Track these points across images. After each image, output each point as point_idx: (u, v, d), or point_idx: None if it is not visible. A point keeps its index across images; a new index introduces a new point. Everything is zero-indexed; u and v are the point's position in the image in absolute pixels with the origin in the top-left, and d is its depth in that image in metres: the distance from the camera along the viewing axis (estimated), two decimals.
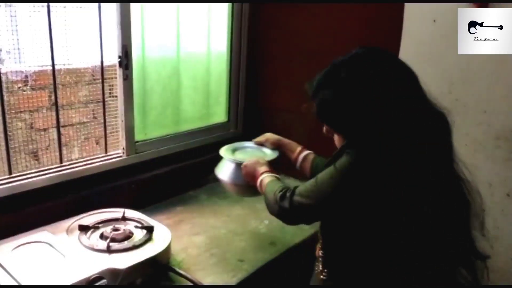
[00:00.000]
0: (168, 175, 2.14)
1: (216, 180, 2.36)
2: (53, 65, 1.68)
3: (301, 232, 1.88)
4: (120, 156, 1.97)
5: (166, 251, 1.53)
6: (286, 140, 1.71)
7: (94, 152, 1.93)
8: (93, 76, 1.87)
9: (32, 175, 1.69)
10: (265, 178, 1.45)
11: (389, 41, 1.93)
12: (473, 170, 1.78)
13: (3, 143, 1.61)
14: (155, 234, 1.59)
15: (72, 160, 1.84)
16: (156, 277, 1.48)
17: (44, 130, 1.75)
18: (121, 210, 1.71)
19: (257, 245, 1.77)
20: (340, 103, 1.13)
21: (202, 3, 2.21)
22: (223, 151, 1.80)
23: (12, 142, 1.65)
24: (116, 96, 1.93)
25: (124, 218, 1.68)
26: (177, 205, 2.07)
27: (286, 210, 1.24)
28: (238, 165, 1.65)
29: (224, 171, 1.73)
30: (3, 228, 1.53)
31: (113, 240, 1.51)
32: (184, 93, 2.24)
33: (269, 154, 1.70)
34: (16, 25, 1.57)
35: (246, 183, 1.58)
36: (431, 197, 1.11)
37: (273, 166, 1.54)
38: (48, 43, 1.65)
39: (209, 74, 2.37)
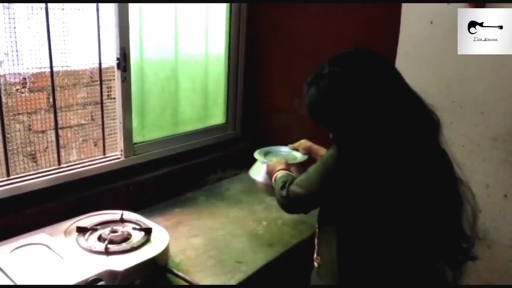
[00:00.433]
0: (166, 176, 2.14)
1: (214, 181, 2.39)
2: (51, 67, 1.68)
3: (299, 233, 1.89)
4: (118, 158, 1.97)
5: (164, 253, 1.53)
6: (316, 146, 1.77)
7: (92, 154, 1.93)
8: (91, 78, 1.87)
9: (30, 177, 1.69)
10: (278, 174, 1.53)
11: (387, 43, 1.94)
12: (470, 171, 1.79)
13: (1, 145, 1.61)
14: (153, 236, 1.59)
15: (70, 162, 1.84)
16: (154, 279, 1.48)
17: (42, 132, 1.75)
18: (119, 212, 1.71)
19: (255, 246, 1.77)
20: (322, 98, 1.20)
21: (200, 3, 2.21)
22: (256, 153, 1.92)
23: (10, 144, 1.65)
24: (114, 98, 1.93)
25: (122, 220, 1.68)
26: (175, 207, 2.07)
27: (284, 198, 1.36)
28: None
29: (255, 171, 1.84)
30: (1, 230, 1.53)
31: (111, 242, 1.51)
32: (182, 94, 2.24)
33: (299, 157, 1.78)
34: (15, 27, 1.57)
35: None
36: (416, 190, 1.16)
37: (301, 169, 1.61)
38: (46, 45, 1.65)
39: (207, 75, 2.37)
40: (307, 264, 1.56)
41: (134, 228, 1.63)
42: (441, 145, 1.22)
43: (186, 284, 1.46)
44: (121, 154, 1.98)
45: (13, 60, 1.59)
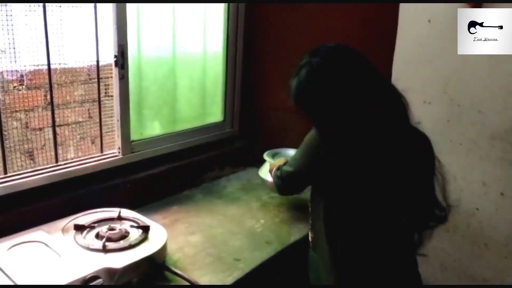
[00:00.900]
0: (164, 174, 2.14)
1: (212, 179, 2.39)
2: (48, 64, 1.68)
3: (297, 231, 1.89)
4: (116, 156, 1.97)
5: (162, 251, 1.53)
6: None
7: (89, 152, 1.92)
8: (89, 75, 1.87)
9: (28, 175, 1.69)
10: (277, 167, 1.64)
11: (384, 41, 1.94)
12: (468, 169, 1.81)
13: None
14: (151, 233, 1.58)
15: (67, 159, 1.84)
16: (152, 277, 1.48)
17: (40, 129, 1.75)
18: (117, 209, 1.71)
19: (253, 244, 1.77)
20: (302, 86, 1.30)
21: (198, 3, 2.21)
22: (265, 154, 2.15)
23: (8, 141, 1.64)
24: (112, 96, 1.93)
25: (120, 218, 1.68)
26: (173, 205, 2.07)
27: (279, 178, 1.53)
28: None
29: (265, 172, 2.07)
30: None
31: (109, 239, 1.50)
32: (180, 92, 2.24)
33: None
34: (12, 24, 1.56)
35: None
36: (392, 164, 1.28)
37: None
38: (44, 43, 1.64)
39: (205, 73, 2.37)
40: (304, 262, 1.56)
41: (132, 226, 1.63)
42: (412, 123, 1.33)
43: (185, 283, 1.46)
44: (119, 152, 1.97)
45: (10, 57, 1.59)
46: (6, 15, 1.54)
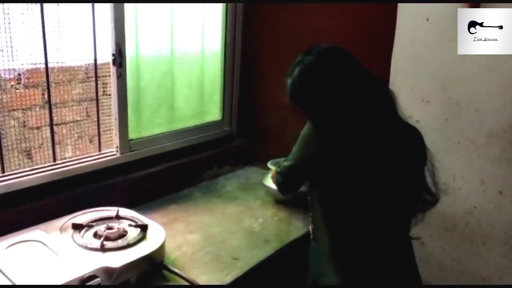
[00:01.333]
0: (162, 173, 2.14)
1: (210, 178, 2.39)
2: (46, 63, 1.67)
3: (295, 229, 1.89)
4: (114, 155, 1.97)
5: (160, 250, 1.53)
6: None
7: (87, 151, 1.92)
8: (87, 74, 1.86)
9: (25, 174, 1.68)
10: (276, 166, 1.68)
11: (382, 40, 1.94)
12: (466, 167, 1.81)
13: None
14: (149, 232, 1.58)
15: (65, 158, 1.83)
16: (151, 276, 1.48)
17: (37, 128, 1.74)
18: (115, 208, 1.71)
19: (251, 243, 1.77)
20: (296, 83, 1.36)
21: (196, 3, 2.21)
22: (269, 163, 2.20)
23: (5, 140, 1.64)
24: (109, 94, 1.92)
25: (118, 217, 1.67)
26: (171, 204, 2.07)
27: (279, 174, 1.55)
28: None
29: (269, 180, 2.02)
30: None
31: (107, 238, 1.50)
32: (178, 91, 2.24)
33: None
34: (9, 23, 1.56)
35: None
36: (384, 152, 1.33)
37: None
38: (41, 41, 1.64)
39: (203, 72, 2.36)
40: (303, 261, 1.56)
41: (130, 225, 1.63)
42: (399, 114, 1.37)
43: (183, 282, 1.46)
44: (117, 151, 1.97)
45: (7, 56, 1.58)
46: (4, 14, 1.53)
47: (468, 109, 1.77)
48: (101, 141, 1.94)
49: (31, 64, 1.66)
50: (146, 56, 2.03)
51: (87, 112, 1.91)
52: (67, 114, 1.83)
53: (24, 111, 1.69)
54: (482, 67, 1.70)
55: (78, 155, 1.88)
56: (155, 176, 2.11)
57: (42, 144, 1.76)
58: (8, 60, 1.59)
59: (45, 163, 1.76)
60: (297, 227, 1.92)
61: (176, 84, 2.22)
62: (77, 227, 1.57)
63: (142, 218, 1.67)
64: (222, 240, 1.77)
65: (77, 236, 1.52)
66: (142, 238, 1.54)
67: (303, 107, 1.40)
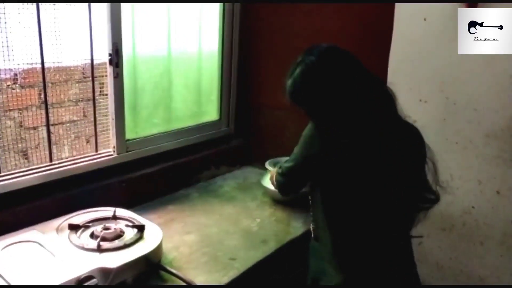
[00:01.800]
0: (159, 173, 2.14)
1: (208, 178, 2.38)
2: (42, 63, 1.67)
3: (293, 230, 1.89)
4: (111, 155, 1.96)
5: (157, 250, 1.52)
6: None
7: (84, 151, 1.91)
8: (83, 74, 1.86)
9: (22, 174, 1.67)
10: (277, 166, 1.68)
11: (380, 40, 1.94)
12: (463, 167, 1.81)
13: None
14: (146, 233, 1.58)
15: (62, 158, 1.82)
16: (147, 276, 1.47)
17: (34, 128, 1.74)
18: (112, 209, 1.70)
19: (248, 243, 1.76)
20: (298, 83, 1.36)
21: (193, 3, 2.20)
22: (267, 163, 2.19)
23: (1, 140, 1.63)
24: (106, 95, 1.91)
25: (114, 217, 1.67)
26: (168, 204, 2.06)
27: (280, 175, 1.55)
28: None
29: (267, 180, 2.09)
30: None
31: (104, 239, 1.50)
32: (176, 91, 2.23)
33: None
34: (5, 22, 1.55)
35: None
36: (385, 152, 1.34)
37: None
38: (38, 41, 1.63)
39: (201, 72, 2.36)
40: (300, 261, 1.56)
41: (127, 225, 1.62)
42: (399, 113, 1.38)
43: (180, 283, 1.45)
44: (114, 151, 1.96)
45: (3, 56, 1.57)
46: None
47: (466, 109, 1.77)
48: (98, 141, 1.93)
49: (27, 64, 1.66)
50: (143, 56, 2.02)
51: (84, 112, 1.90)
52: (63, 114, 1.82)
53: (20, 111, 1.69)
54: (480, 67, 1.71)
55: (75, 155, 1.87)
56: (152, 176, 2.10)
57: (38, 144, 1.76)
58: (4, 60, 1.58)
59: (41, 163, 1.76)
60: (294, 227, 1.91)
61: (173, 84, 2.21)
62: (73, 227, 1.56)
63: (139, 219, 1.67)
64: (219, 241, 1.77)
65: (74, 236, 1.52)
66: (139, 238, 1.54)
67: (304, 107, 1.40)
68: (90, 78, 1.85)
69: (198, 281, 1.48)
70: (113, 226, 1.58)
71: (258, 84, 2.52)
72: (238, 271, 1.58)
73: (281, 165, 1.57)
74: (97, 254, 1.43)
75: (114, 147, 1.96)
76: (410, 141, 1.39)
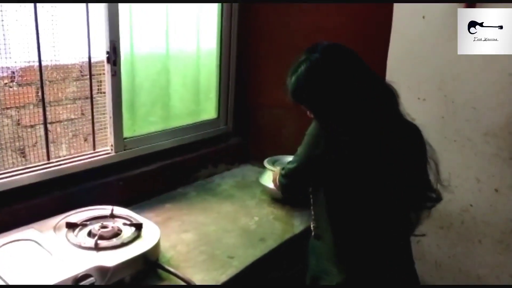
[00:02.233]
0: (157, 172, 2.13)
1: (206, 177, 2.38)
2: (39, 61, 1.66)
3: (291, 228, 1.89)
4: (109, 153, 1.95)
5: (155, 248, 1.52)
6: None
7: (82, 149, 1.91)
8: (81, 72, 1.85)
9: (19, 172, 1.67)
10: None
11: (379, 38, 1.94)
12: (462, 165, 1.80)
13: None
14: (144, 231, 1.57)
15: (59, 157, 1.82)
16: (145, 275, 1.47)
17: (31, 126, 1.73)
18: (110, 207, 1.70)
19: (247, 241, 1.76)
20: (301, 81, 1.35)
21: (191, 3, 2.20)
22: (266, 162, 2.20)
23: None
24: (104, 93, 1.91)
25: (112, 216, 1.66)
26: (166, 202, 2.06)
27: (283, 176, 1.52)
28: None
29: (266, 179, 2.13)
30: None
31: (101, 237, 1.49)
32: (174, 89, 2.23)
33: None
34: (2, 20, 1.54)
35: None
36: (388, 151, 1.34)
37: None
38: (35, 39, 1.63)
39: (199, 70, 2.35)
40: (299, 259, 1.56)
41: (124, 224, 1.61)
42: (401, 112, 1.39)
43: (179, 281, 1.45)
44: (112, 149, 1.96)
45: (0, 54, 1.57)
46: None
47: (465, 107, 1.77)
48: (96, 139, 1.93)
49: (25, 62, 1.65)
50: (141, 54, 2.02)
51: (81, 111, 1.89)
52: (61, 112, 1.82)
53: (18, 109, 1.68)
54: (479, 65, 1.70)
55: (72, 154, 1.86)
56: (150, 174, 2.10)
57: (36, 142, 1.75)
58: (1, 58, 1.58)
59: (39, 161, 1.75)
60: (293, 225, 1.91)
61: (171, 82, 2.21)
62: (71, 226, 1.56)
63: (136, 217, 1.66)
64: (217, 239, 1.76)
65: (71, 235, 1.51)
66: (136, 237, 1.53)
67: (308, 105, 1.40)
68: (88, 76, 1.84)
69: (196, 279, 1.47)
70: (111, 224, 1.58)
71: (257, 83, 2.52)
72: (236, 269, 1.57)
73: (284, 167, 1.55)
74: (94, 252, 1.42)
75: (111, 145, 1.95)
76: (412, 140, 1.39)
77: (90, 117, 1.89)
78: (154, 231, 1.59)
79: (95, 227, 1.55)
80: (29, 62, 1.66)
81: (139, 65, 2.02)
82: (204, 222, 1.90)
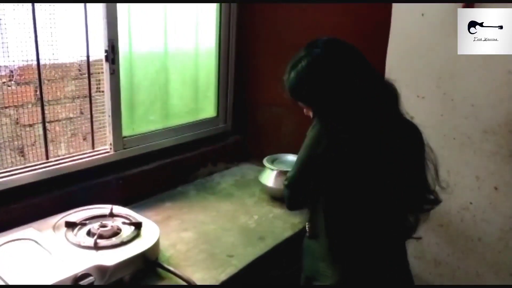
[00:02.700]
0: (156, 170, 2.13)
1: (205, 175, 2.38)
2: (38, 59, 1.66)
3: (290, 226, 1.89)
4: (108, 152, 1.95)
5: (155, 247, 1.52)
6: None
7: (81, 148, 1.90)
8: (80, 71, 1.85)
9: (18, 172, 1.67)
10: None
11: (377, 35, 1.93)
12: (461, 163, 1.80)
13: None
14: (143, 230, 1.57)
15: (58, 156, 1.82)
16: (145, 274, 1.47)
17: (30, 126, 1.73)
18: (109, 206, 1.69)
19: (246, 240, 1.76)
20: (301, 78, 1.31)
21: (189, 3, 2.19)
22: (265, 160, 2.19)
23: None
24: (103, 91, 1.91)
25: (111, 215, 1.66)
26: (165, 201, 2.05)
27: (284, 187, 1.41)
28: (278, 172, 2.09)
29: (265, 178, 2.14)
30: None
31: (101, 236, 1.49)
32: (173, 88, 2.23)
33: None
34: (0, 19, 1.54)
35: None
36: (388, 153, 1.31)
37: None
38: (33, 37, 1.62)
39: (198, 69, 2.35)
40: (298, 258, 1.56)
41: (124, 223, 1.61)
42: (401, 111, 1.36)
43: (179, 281, 1.45)
44: (111, 148, 1.96)
45: None
46: None
47: (463, 104, 1.76)
48: (95, 138, 1.92)
49: (23, 60, 1.64)
50: (139, 53, 2.02)
51: (80, 109, 1.89)
52: (60, 111, 1.81)
53: (16, 109, 1.68)
54: (477, 62, 1.70)
55: (71, 153, 1.86)
56: (149, 173, 2.09)
57: (35, 141, 1.75)
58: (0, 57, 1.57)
59: (38, 160, 1.75)
60: (292, 224, 1.91)
61: (170, 80, 2.20)
62: (70, 225, 1.55)
63: (136, 216, 1.66)
64: (216, 238, 1.76)
65: (70, 234, 1.51)
66: (136, 236, 1.53)
67: (307, 102, 1.36)
68: (87, 75, 1.84)
69: (196, 278, 1.47)
70: (110, 223, 1.58)
71: (256, 81, 2.51)
72: (236, 268, 1.57)
73: (286, 177, 1.42)
74: (93, 251, 1.42)
75: (110, 144, 1.95)
76: (411, 139, 1.37)
77: (89, 116, 1.89)
78: (153, 230, 1.59)
79: (94, 226, 1.55)
80: (27, 61, 1.65)
81: (137, 63, 2.02)
82: (203, 220, 1.90)
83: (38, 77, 1.68)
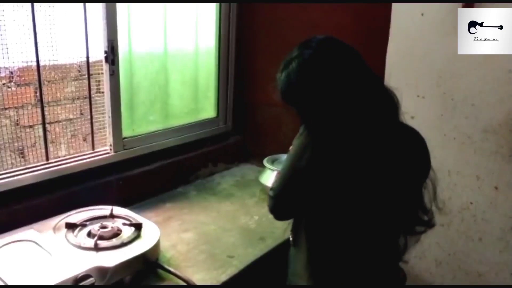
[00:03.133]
0: (156, 171, 2.13)
1: (206, 176, 2.38)
2: (37, 60, 1.66)
3: (290, 227, 1.88)
4: (108, 153, 1.95)
5: (155, 248, 1.52)
6: None
7: (81, 149, 1.90)
8: (80, 72, 1.85)
9: (18, 173, 1.67)
10: None
11: (377, 35, 1.93)
12: (461, 163, 1.80)
13: None
14: (143, 231, 1.57)
15: (59, 157, 1.82)
16: (145, 275, 1.47)
17: (30, 127, 1.73)
18: (109, 207, 1.69)
19: (246, 241, 1.76)
20: (292, 80, 1.21)
21: (189, 3, 2.19)
22: (265, 161, 2.20)
23: None
24: (103, 92, 1.91)
25: (112, 216, 1.66)
26: (166, 202, 2.05)
27: (269, 197, 1.33)
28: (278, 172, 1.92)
29: (265, 178, 2.15)
30: None
31: (101, 237, 1.49)
32: (172, 88, 2.23)
33: None
34: (0, 20, 1.54)
35: None
36: (381, 167, 1.21)
37: None
38: (32, 39, 1.62)
39: (198, 69, 2.35)
40: None
41: (124, 224, 1.61)
42: (401, 120, 1.27)
43: (180, 282, 1.45)
44: (111, 149, 1.96)
45: None
46: None
47: (464, 104, 1.76)
48: (95, 139, 1.93)
49: (23, 62, 1.64)
50: (139, 53, 2.02)
51: (80, 110, 1.89)
52: (60, 112, 1.81)
53: (16, 110, 1.68)
54: (477, 62, 1.70)
55: (71, 154, 1.86)
56: (149, 174, 2.09)
57: (35, 143, 1.75)
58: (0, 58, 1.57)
59: (38, 162, 1.75)
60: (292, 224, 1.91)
61: (170, 81, 2.20)
62: (70, 226, 1.55)
63: (136, 217, 1.66)
64: (217, 238, 1.76)
65: (71, 235, 1.51)
66: (136, 237, 1.53)
67: (297, 106, 1.25)
68: (86, 76, 1.84)
69: (196, 279, 1.48)
70: (110, 224, 1.58)
71: (255, 81, 2.51)
72: (236, 268, 1.58)
73: (272, 187, 1.36)
74: (94, 253, 1.42)
75: (111, 145, 1.95)
76: (412, 155, 1.26)
77: (89, 117, 1.89)
78: (153, 231, 1.59)
79: (94, 227, 1.55)
80: (27, 62, 1.65)
81: (137, 64, 2.02)
82: (204, 221, 1.90)
83: (38, 78, 1.68)
